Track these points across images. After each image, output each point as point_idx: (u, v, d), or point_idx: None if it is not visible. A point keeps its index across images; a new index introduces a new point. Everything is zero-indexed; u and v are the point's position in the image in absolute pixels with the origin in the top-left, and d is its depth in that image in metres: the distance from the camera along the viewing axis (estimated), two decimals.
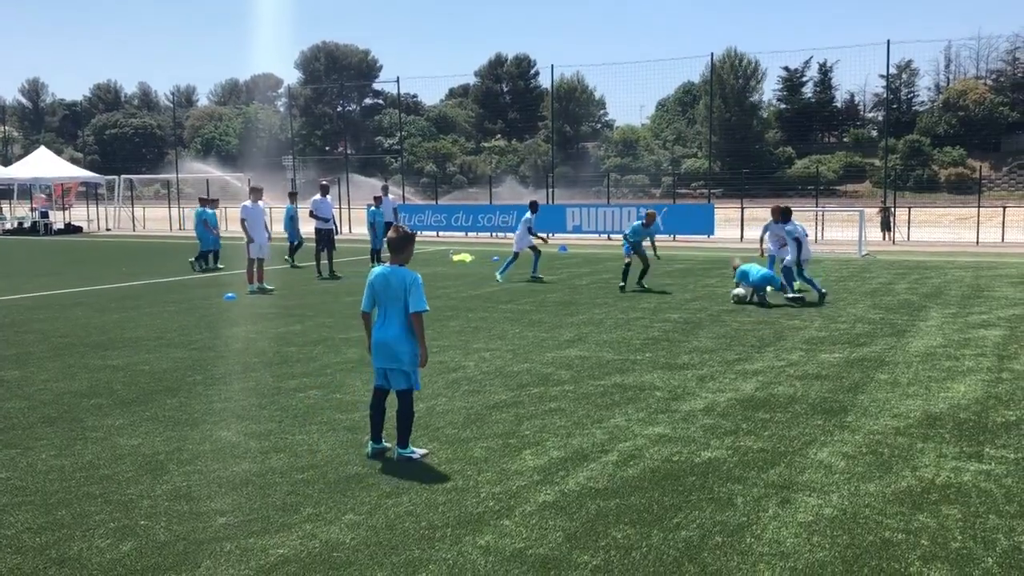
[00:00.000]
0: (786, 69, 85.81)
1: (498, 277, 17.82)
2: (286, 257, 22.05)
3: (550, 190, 37.59)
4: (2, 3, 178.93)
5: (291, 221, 22.40)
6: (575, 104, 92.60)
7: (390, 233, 6.53)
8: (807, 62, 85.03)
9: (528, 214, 18.39)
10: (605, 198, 40.88)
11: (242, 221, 16.85)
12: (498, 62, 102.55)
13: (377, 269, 6.49)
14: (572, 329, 11.99)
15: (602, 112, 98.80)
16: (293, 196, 23.36)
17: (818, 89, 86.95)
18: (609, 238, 30.45)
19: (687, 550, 4.81)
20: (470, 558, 4.74)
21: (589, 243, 29.60)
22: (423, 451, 6.51)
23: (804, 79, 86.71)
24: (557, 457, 6.41)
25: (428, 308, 6.41)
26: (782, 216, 14.93)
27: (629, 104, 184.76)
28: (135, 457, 6.51)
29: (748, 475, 6.00)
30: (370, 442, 6.53)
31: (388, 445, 6.53)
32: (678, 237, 29.92)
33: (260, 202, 17.25)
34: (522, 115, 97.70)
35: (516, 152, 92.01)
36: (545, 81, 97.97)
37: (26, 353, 10.59)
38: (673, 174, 65.50)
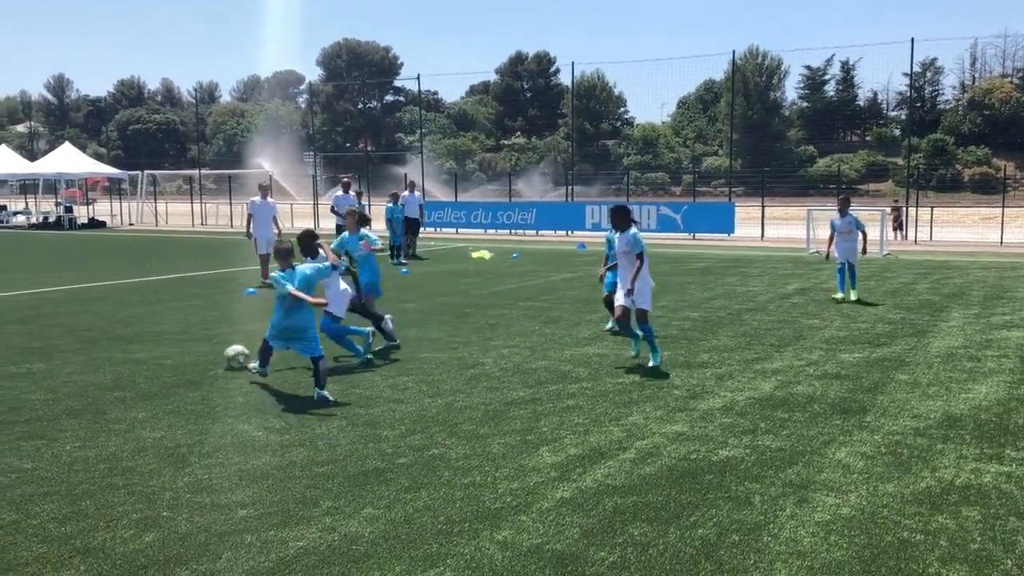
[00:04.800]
0: (808, 67, 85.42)
1: None
2: None
3: (570, 187, 37.56)
4: (28, 1, 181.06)
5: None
6: (595, 101, 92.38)
7: (273, 244, 8.00)
8: (829, 60, 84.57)
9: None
10: (625, 196, 40.76)
11: (249, 216, 17.31)
12: (518, 59, 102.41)
13: (277, 275, 8.16)
14: (590, 326, 11.99)
15: (622, 110, 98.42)
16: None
17: (840, 87, 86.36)
18: None
19: (704, 548, 4.82)
20: (487, 553, 4.77)
21: None
22: (334, 397, 7.92)
23: (826, 77, 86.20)
24: (575, 454, 6.44)
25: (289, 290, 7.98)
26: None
27: (650, 102, 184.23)
28: (157, 449, 6.60)
29: (766, 474, 5.99)
30: (259, 365, 8.53)
31: (329, 394, 7.93)
32: (698, 236, 29.83)
33: (269, 198, 17.60)
34: (542, 112, 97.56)
35: (536, 149, 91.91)
36: (565, 78, 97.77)
37: (52, 346, 10.74)
38: (693, 172, 65.27)
